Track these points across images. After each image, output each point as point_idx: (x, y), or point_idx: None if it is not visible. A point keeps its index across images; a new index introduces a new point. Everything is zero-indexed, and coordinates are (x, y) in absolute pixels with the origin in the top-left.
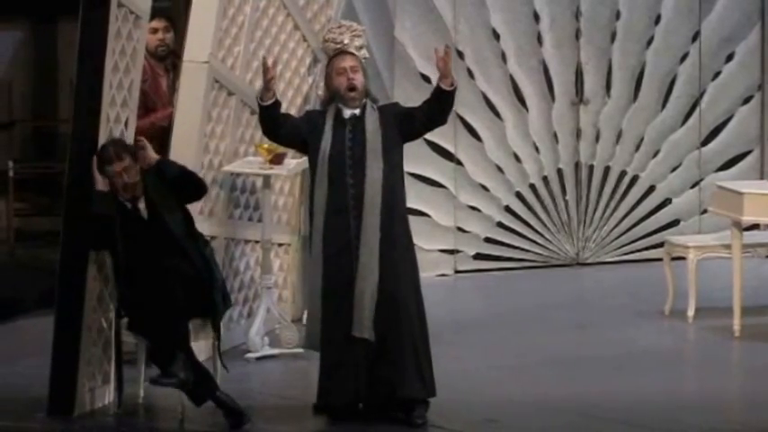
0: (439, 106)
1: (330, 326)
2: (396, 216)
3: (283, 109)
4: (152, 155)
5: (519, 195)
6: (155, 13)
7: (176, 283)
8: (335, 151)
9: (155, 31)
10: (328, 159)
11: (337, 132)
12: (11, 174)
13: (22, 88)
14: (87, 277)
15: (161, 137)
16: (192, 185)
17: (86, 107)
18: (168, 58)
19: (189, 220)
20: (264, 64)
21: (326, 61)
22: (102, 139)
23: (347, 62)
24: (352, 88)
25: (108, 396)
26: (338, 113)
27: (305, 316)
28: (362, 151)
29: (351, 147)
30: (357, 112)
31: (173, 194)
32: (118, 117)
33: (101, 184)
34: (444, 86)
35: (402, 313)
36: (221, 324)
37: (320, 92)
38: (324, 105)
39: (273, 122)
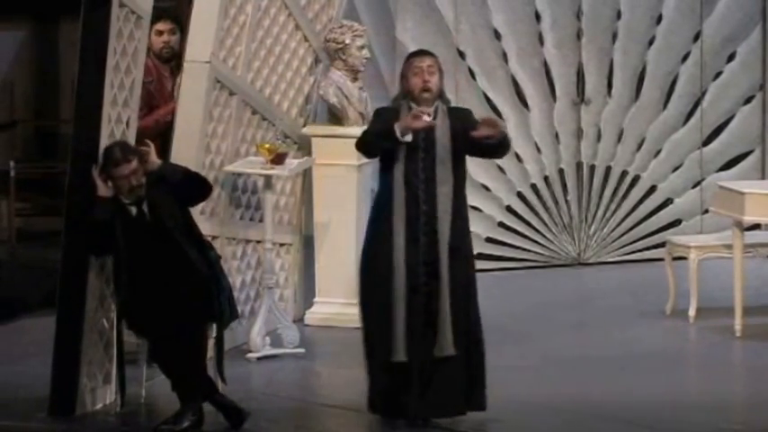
0: (494, 151)
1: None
2: (465, 228)
3: (284, 109)
4: (154, 159)
5: (520, 195)
6: (161, 15)
7: (180, 288)
8: (410, 164)
9: (160, 33)
10: (404, 171)
11: (409, 145)
12: (12, 174)
13: (23, 88)
14: (89, 277)
15: (165, 134)
16: (196, 187)
17: (88, 107)
18: (173, 60)
19: (191, 224)
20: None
21: (404, 61)
22: (103, 139)
23: (425, 62)
24: (426, 90)
25: (109, 396)
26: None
27: (305, 317)
28: (433, 163)
29: (423, 158)
30: (429, 115)
31: (177, 198)
32: (119, 117)
33: (102, 189)
34: (494, 142)
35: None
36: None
37: (321, 92)
38: (395, 102)
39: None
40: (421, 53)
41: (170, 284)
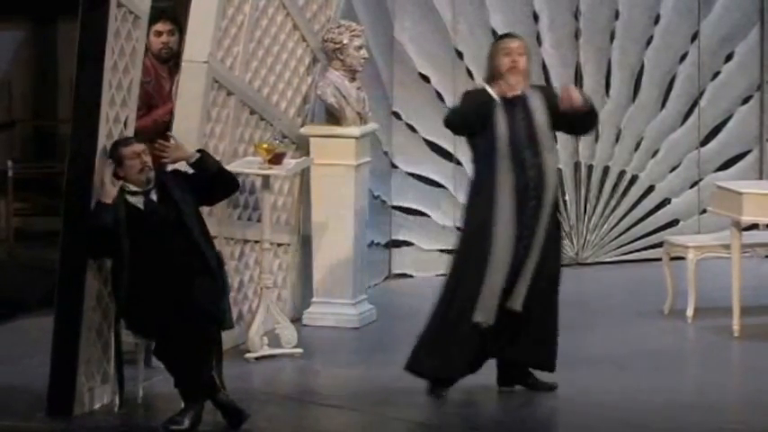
0: (583, 121)
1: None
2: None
3: (282, 109)
4: (189, 150)
5: None
6: (159, 15)
7: (192, 281)
8: (512, 133)
9: (159, 33)
10: (508, 141)
11: (507, 112)
12: (10, 173)
13: (21, 88)
14: (87, 277)
15: (163, 134)
16: (227, 182)
17: (86, 107)
18: (171, 60)
19: (202, 220)
20: None
21: (493, 44)
22: (101, 139)
23: (514, 43)
24: (515, 68)
25: (107, 396)
26: (502, 94)
27: (303, 316)
28: (535, 133)
29: (525, 127)
30: (519, 93)
31: (200, 192)
32: (117, 117)
33: (109, 193)
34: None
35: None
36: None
37: (319, 92)
38: (485, 83)
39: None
40: (510, 35)
41: (181, 277)
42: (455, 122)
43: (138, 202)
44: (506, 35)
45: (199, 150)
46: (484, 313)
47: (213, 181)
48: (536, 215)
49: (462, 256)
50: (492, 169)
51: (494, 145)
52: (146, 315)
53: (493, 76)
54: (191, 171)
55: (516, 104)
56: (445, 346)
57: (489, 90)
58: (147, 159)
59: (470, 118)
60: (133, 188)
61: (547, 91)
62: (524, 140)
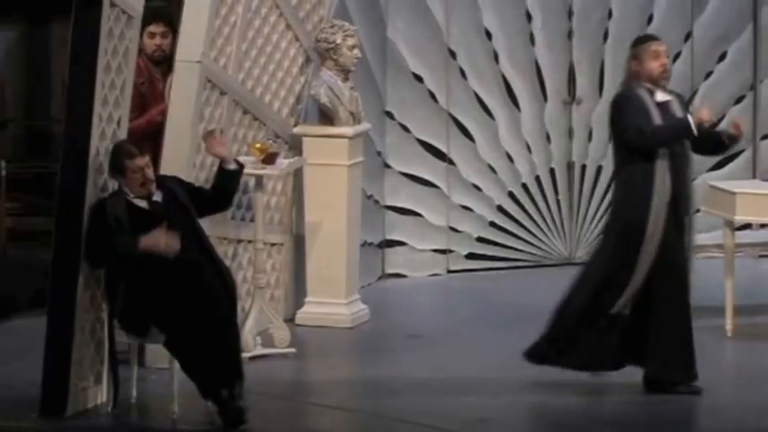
0: (708, 148)
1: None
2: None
3: (275, 108)
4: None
5: (511, 195)
6: (153, 16)
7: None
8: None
9: (152, 35)
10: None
11: (660, 116)
12: (3, 173)
13: (14, 87)
14: (79, 277)
15: (156, 134)
16: (227, 201)
17: (79, 106)
18: (165, 62)
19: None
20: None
21: (634, 44)
22: (94, 139)
23: (662, 47)
24: (665, 72)
25: (101, 396)
26: (651, 96)
27: (296, 316)
28: (685, 145)
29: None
30: (667, 97)
31: (199, 203)
32: (110, 116)
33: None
34: (725, 142)
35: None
36: None
37: (312, 91)
38: (627, 87)
39: None
40: (652, 37)
41: (193, 274)
42: (646, 145)
43: (141, 203)
44: (649, 37)
45: (238, 163)
46: (623, 304)
47: (214, 197)
48: (682, 222)
49: (612, 252)
50: (648, 171)
51: (655, 155)
52: (155, 314)
53: (637, 76)
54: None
55: (664, 107)
56: (585, 339)
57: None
58: (150, 173)
59: (661, 146)
60: (132, 194)
61: (681, 97)
62: (677, 146)
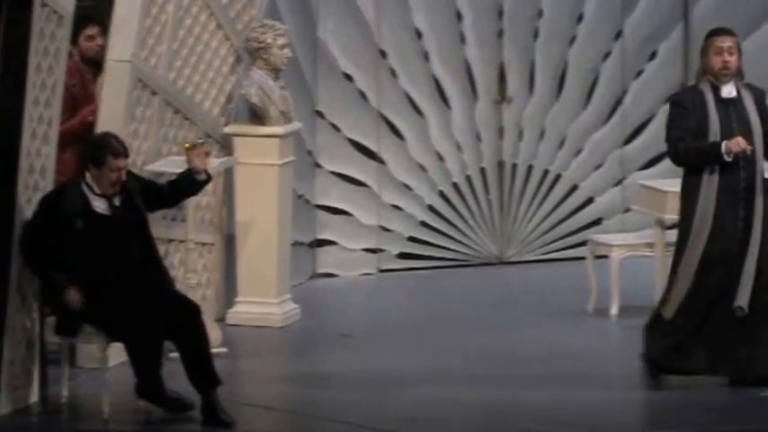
0: None
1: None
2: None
3: (206, 108)
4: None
5: (442, 194)
6: (85, 19)
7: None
8: (727, 132)
9: (91, 38)
10: (721, 140)
11: (721, 113)
12: None
13: None
14: (11, 277)
15: (88, 134)
16: (177, 201)
17: (9, 107)
18: (97, 63)
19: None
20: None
21: (705, 37)
22: (25, 140)
23: (726, 42)
24: (726, 68)
25: (32, 396)
26: (715, 91)
27: (227, 316)
28: (749, 134)
29: (738, 129)
30: (734, 93)
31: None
32: (41, 117)
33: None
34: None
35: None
36: None
37: (243, 91)
38: (697, 79)
39: None
40: (722, 32)
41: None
42: (679, 163)
43: (102, 206)
44: (719, 31)
45: (208, 175)
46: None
47: (168, 194)
48: (747, 217)
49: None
50: (702, 169)
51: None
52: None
53: (704, 70)
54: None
55: (729, 104)
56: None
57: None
58: (124, 176)
59: (693, 165)
60: (97, 190)
61: (758, 92)
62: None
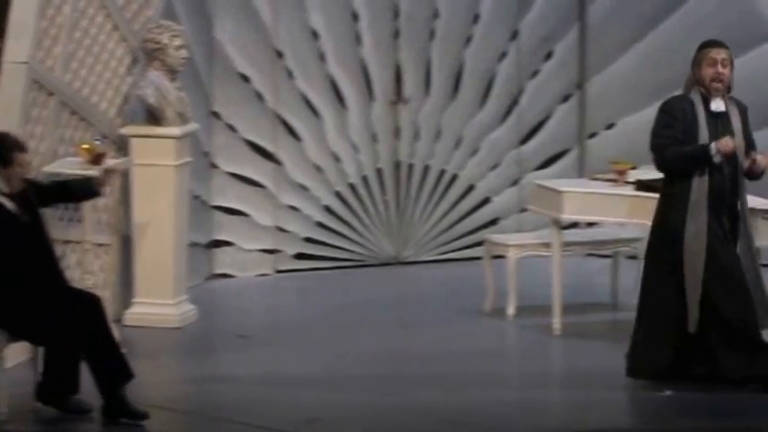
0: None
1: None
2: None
3: (102, 109)
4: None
5: (339, 195)
6: None
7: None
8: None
9: None
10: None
11: (710, 126)
12: None
13: None
14: None
15: None
16: (65, 200)
17: None
18: None
19: None
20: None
21: (698, 49)
22: None
23: (720, 55)
24: (718, 81)
25: None
26: (706, 104)
27: (124, 317)
28: (735, 150)
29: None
30: (722, 107)
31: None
32: None
33: None
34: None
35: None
36: None
37: (140, 92)
38: (686, 90)
39: None
40: (716, 45)
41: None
42: (666, 170)
43: (11, 205)
44: (713, 43)
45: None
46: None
47: (58, 194)
48: (732, 232)
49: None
50: (688, 181)
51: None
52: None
53: (696, 81)
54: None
55: (718, 117)
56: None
57: (694, 100)
58: (29, 169)
59: (681, 171)
60: (5, 189)
61: (742, 107)
62: (724, 163)
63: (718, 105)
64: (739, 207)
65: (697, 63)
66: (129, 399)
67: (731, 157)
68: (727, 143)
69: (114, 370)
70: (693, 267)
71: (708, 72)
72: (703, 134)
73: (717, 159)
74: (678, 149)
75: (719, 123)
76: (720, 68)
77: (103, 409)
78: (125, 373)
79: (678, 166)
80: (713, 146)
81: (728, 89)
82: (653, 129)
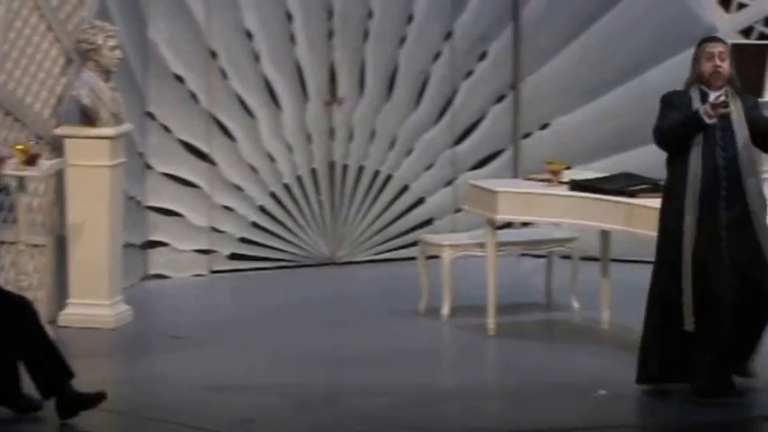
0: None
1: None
2: (760, 204)
3: (36, 110)
4: None
5: (273, 195)
6: None
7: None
8: (710, 141)
9: None
10: (702, 146)
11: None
12: None
13: None
14: None
15: None
16: None
17: None
18: None
19: None
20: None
21: (697, 45)
22: None
23: (717, 48)
24: (717, 74)
25: None
26: (704, 99)
27: (59, 317)
28: (734, 146)
29: (722, 138)
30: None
31: None
32: None
33: None
34: None
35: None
36: None
37: (74, 92)
38: (687, 86)
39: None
40: (713, 39)
41: None
42: (664, 140)
43: None
44: (710, 38)
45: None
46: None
47: None
48: (729, 225)
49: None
50: (683, 175)
51: (687, 152)
52: None
53: (696, 79)
54: None
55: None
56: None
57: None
58: None
59: (678, 138)
60: None
61: (749, 101)
62: (720, 158)
63: (717, 100)
64: (748, 198)
65: (695, 59)
66: (78, 389)
67: (726, 106)
68: (716, 98)
69: (54, 371)
70: (687, 264)
71: (706, 66)
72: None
73: (710, 121)
74: (671, 121)
75: (718, 120)
76: (718, 61)
77: (59, 408)
78: (66, 373)
79: (675, 136)
80: (702, 109)
81: (730, 83)
82: (657, 120)
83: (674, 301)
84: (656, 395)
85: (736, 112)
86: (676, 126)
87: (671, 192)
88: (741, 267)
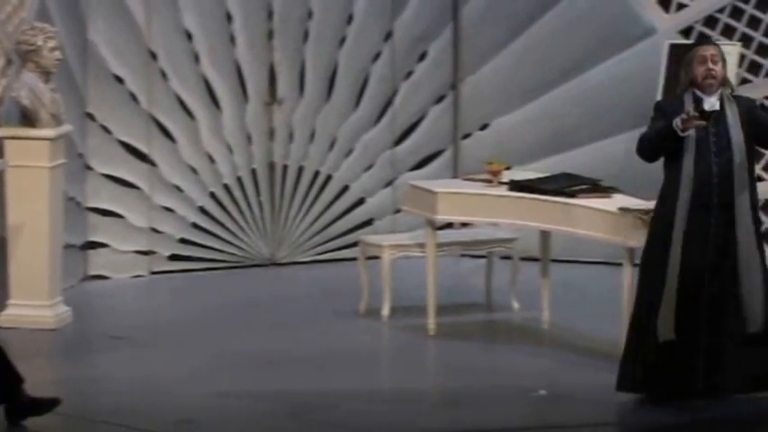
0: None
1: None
2: (756, 212)
3: None
4: None
5: (213, 196)
6: None
7: None
8: (703, 146)
9: None
10: (695, 150)
11: (698, 126)
12: None
13: None
14: None
15: None
16: None
17: None
18: None
19: None
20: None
21: (688, 49)
22: None
23: (709, 51)
24: (710, 77)
25: None
26: (697, 104)
27: None
28: (729, 150)
29: (715, 143)
30: (717, 106)
31: None
32: None
33: None
34: None
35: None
36: None
37: (13, 93)
38: (680, 92)
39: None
40: (705, 42)
41: None
42: (645, 155)
43: None
44: (702, 41)
45: None
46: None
47: None
48: (721, 233)
49: (645, 261)
50: (676, 180)
51: (681, 163)
52: None
53: (689, 83)
54: None
55: (711, 116)
56: None
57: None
58: None
59: (656, 153)
60: None
61: (746, 103)
62: (714, 164)
63: (712, 105)
64: (736, 207)
65: (688, 63)
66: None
67: (703, 118)
68: (687, 112)
69: (5, 377)
70: (674, 268)
71: (699, 70)
72: (690, 135)
73: (682, 133)
74: (650, 131)
75: (711, 124)
76: (711, 65)
77: (8, 412)
78: (16, 378)
79: (653, 146)
80: (674, 122)
81: (730, 87)
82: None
83: (657, 309)
84: (598, 395)
85: (732, 115)
86: (654, 136)
87: (663, 197)
88: (720, 288)
